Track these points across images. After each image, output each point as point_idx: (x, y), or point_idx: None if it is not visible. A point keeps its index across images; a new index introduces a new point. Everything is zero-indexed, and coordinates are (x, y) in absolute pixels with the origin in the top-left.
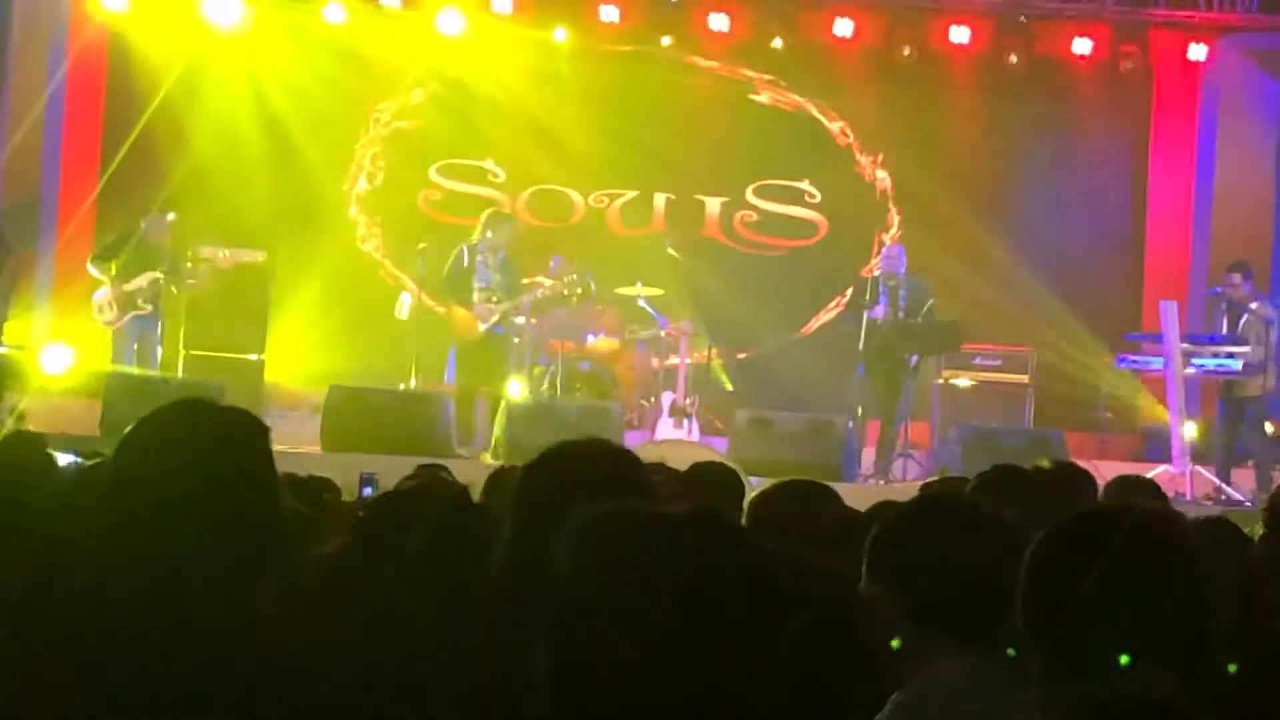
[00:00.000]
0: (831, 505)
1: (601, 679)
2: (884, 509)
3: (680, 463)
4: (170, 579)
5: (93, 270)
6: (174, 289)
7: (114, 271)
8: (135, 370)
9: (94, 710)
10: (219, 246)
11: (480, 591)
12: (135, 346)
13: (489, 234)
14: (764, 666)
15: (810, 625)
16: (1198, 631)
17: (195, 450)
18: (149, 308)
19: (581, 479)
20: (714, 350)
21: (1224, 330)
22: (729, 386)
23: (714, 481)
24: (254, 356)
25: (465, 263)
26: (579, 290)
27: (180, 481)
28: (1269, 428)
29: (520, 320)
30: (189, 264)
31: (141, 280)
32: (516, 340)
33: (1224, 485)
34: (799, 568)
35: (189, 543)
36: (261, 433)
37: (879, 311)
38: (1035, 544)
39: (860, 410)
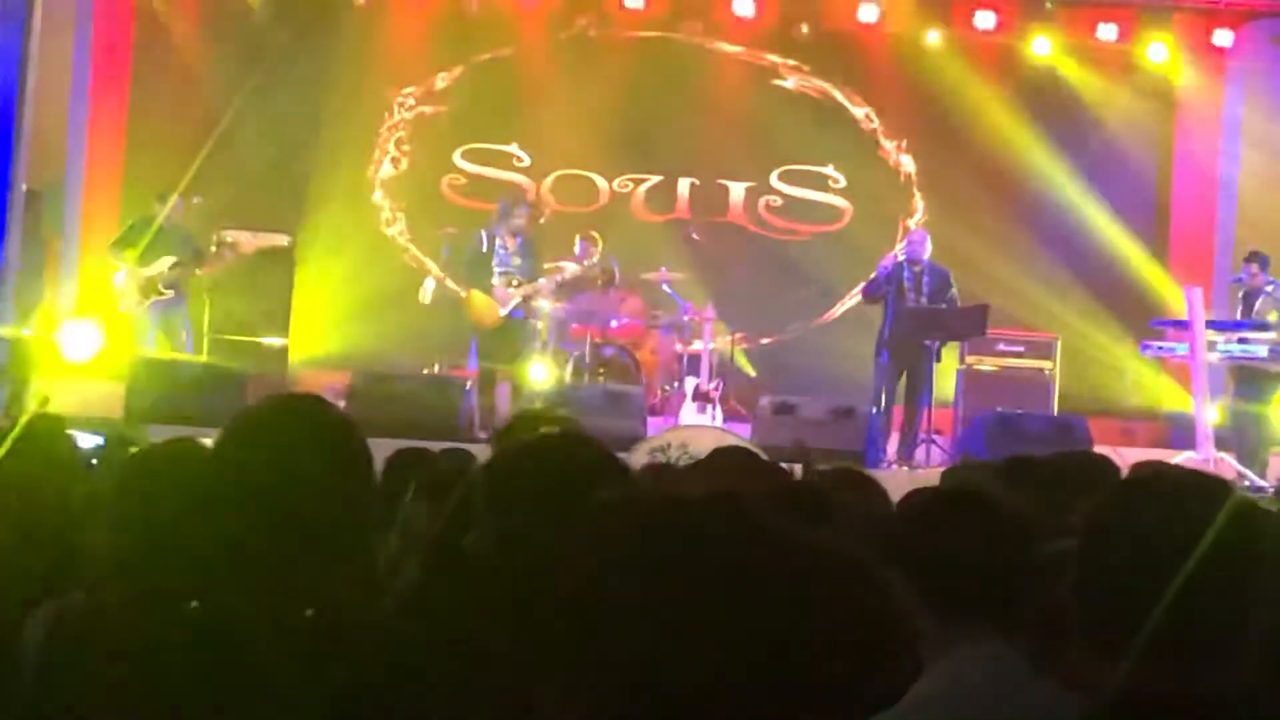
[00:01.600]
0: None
1: (624, 662)
2: (912, 496)
3: (703, 448)
4: (275, 566)
5: (113, 255)
6: (196, 273)
7: (134, 256)
8: (158, 353)
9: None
10: (242, 230)
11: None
12: (157, 331)
13: (507, 217)
14: (782, 650)
15: (828, 610)
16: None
17: (297, 441)
18: (170, 293)
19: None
20: (735, 337)
21: (1240, 315)
22: (751, 373)
23: (735, 466)
24: (278, 341)
25: (484, 247)
26: (602, 274)
27: (285, 470)
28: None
29: (543, 304)
30: (212, 248)
31: (161, 265)
32: (538, 324)
33: (1248, 472)
34: (818, 551)
35: (293, 531)
36: (353, 428)
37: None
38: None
39: (884, 396)
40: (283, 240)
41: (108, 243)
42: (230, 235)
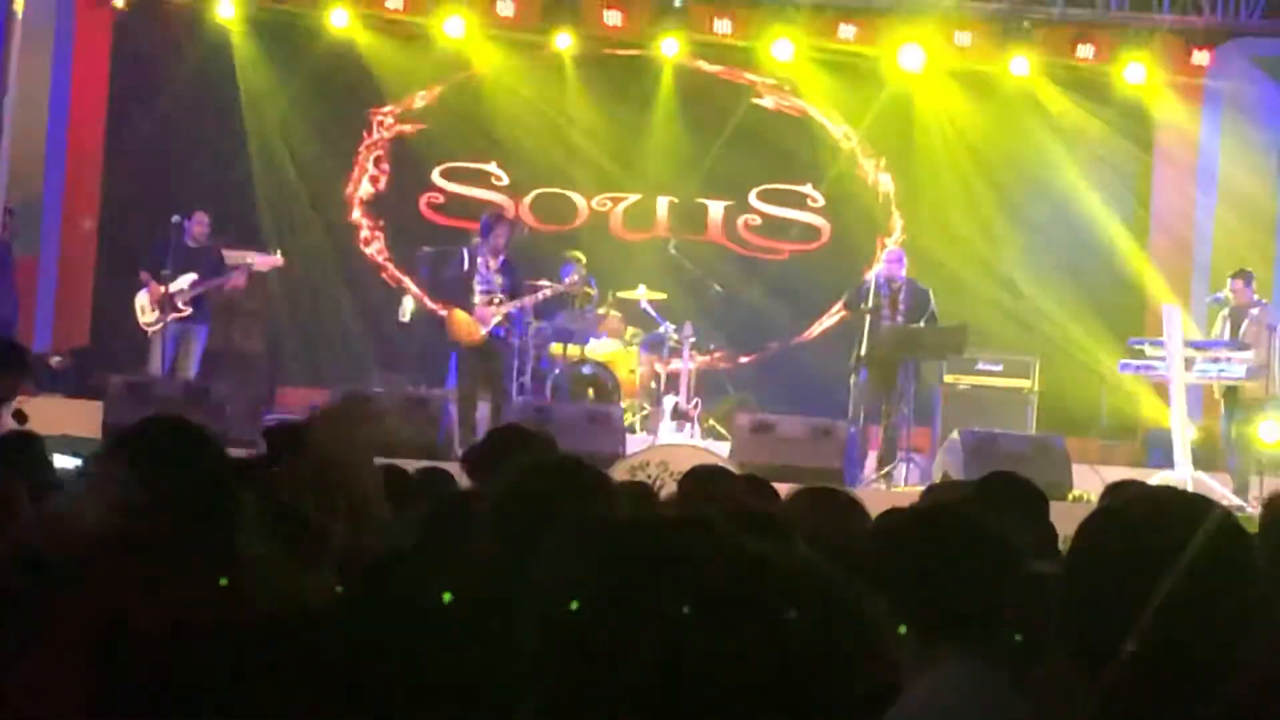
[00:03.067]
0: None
1: (596, 678)
2: (890, 514)
3: (682, 466)
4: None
5: (142, 274)
6: (219, 289)
7: (153, 273)
8: (135, 374)
9: None
10: (234, 250)
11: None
12: (174, 349)
13: (489, 236)
14: (756, 672)
15: (801, 630)
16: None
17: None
18: (189, 310)
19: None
20: (714, 355)
21: (1226, 336)
22: (741, 391)
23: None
24: (259, 358)
25: (465, 266)
26: (582, 293)
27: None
28: (1266, 432)
29: (523, 323)
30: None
31: (182, 282)
32: (518, 343)
33: (1227, 492)
34: (791, 571)
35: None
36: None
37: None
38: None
39: (862, 414)
40: (278, 263)
41: (92, 260)
42: (232, 255)
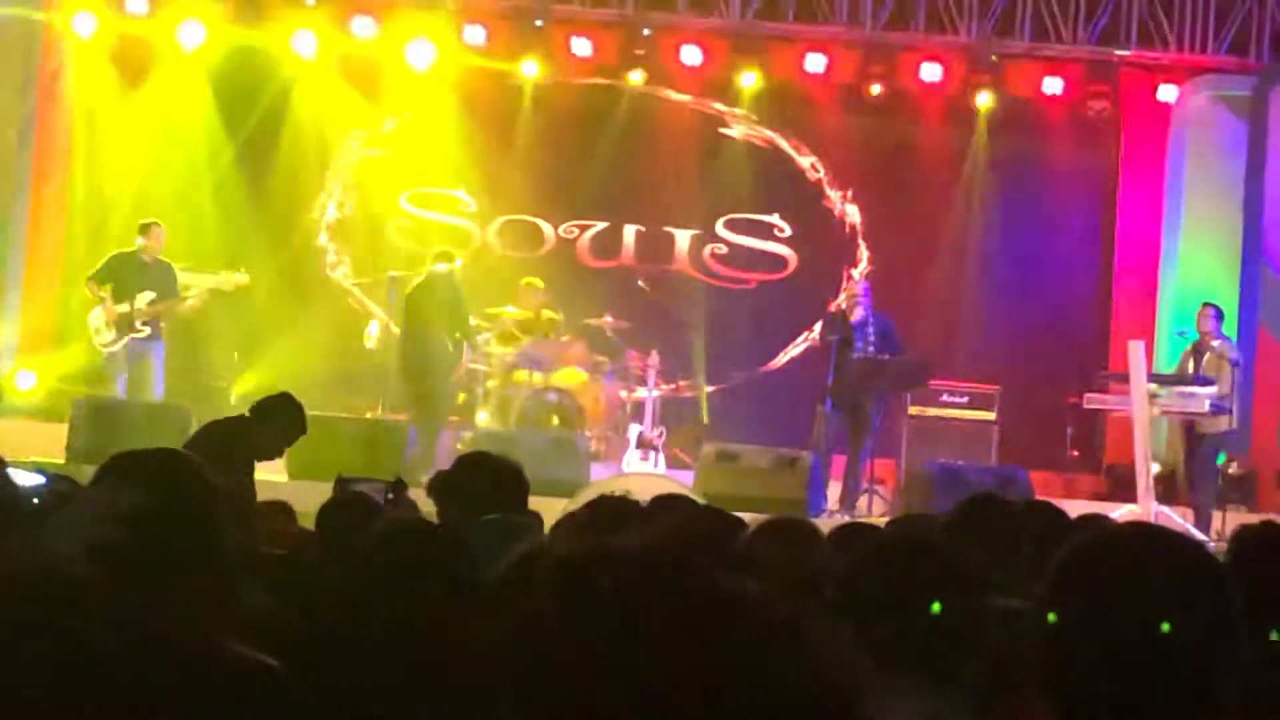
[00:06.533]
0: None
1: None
2: (850, 536)
3: (646, 496)
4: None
5: (90, 289)
6: (169, 309)
7: (109, 291)
8: (104, 394)
9: None
10: (191, 271)
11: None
12: (130, 370)
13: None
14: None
15: (757, 662)
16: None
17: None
18: (146, 330)
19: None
20: (680, 385)
21: (1190, 370)
22: (706, 420)
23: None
24: (222, 381)
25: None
26: (547, 320)
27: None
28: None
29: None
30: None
31: (139, 301)
32: (482, 370)
33: (1189, 526)
34: (745, 602)
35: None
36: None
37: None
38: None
39: (827, 445)
40: (242, 281)
41: (56, 277)
42: (186, 277)
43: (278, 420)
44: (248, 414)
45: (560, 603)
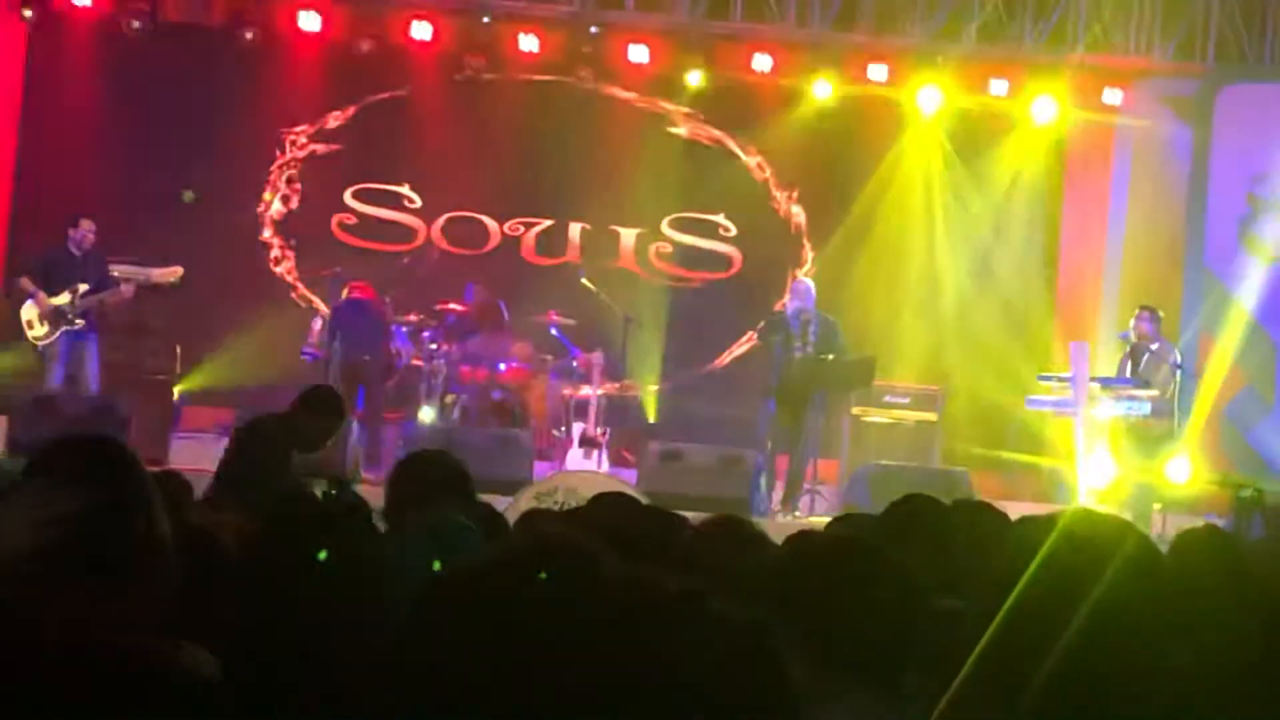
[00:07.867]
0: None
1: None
2: (798, 541)
3: (589, 493)
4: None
5: (19, 284)
6: (102, 302)
7: (40, 285)
8: (48, 387)
9: None
10: (130, 264)
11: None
12: (66, 363)
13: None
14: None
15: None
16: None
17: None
18: (80, 322)
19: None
20: (624, 383)
21: (1128, 372)
22: (652, 419)
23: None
24: (164, 376)
25: None
26: (491, 317)
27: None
28: (1173, 471)
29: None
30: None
31: (68, 294)
32: (427, 367)
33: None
34: (665, 599)
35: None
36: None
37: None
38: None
39: (770, 445)
40: (178, 273)
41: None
42: (125, 269)
43: (325, 412)
44: (294, 406)
45: (481, 613)
